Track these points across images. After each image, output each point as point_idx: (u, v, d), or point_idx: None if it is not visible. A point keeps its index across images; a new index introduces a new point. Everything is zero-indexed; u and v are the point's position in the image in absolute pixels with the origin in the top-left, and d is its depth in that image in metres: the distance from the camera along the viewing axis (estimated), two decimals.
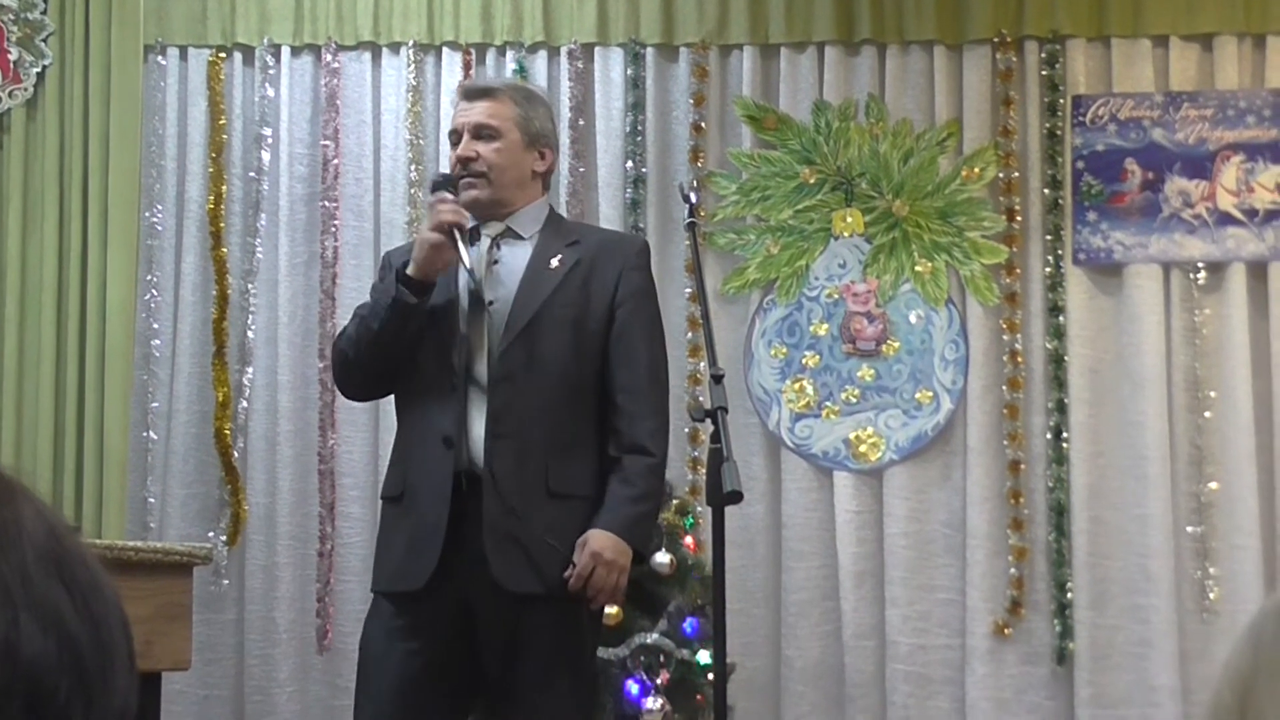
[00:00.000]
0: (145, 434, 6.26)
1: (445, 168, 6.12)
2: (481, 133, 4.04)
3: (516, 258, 4.05)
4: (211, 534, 6.21)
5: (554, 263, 4.03)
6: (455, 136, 4.09)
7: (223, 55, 6.39)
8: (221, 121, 6.36)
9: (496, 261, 4.04)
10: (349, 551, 6.21)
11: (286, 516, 6.23)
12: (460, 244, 3.85)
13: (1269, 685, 1.55)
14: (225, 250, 6.31)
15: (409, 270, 3.89)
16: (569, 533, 3.93)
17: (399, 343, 3.94)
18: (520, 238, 4.07)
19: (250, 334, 6.31)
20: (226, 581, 6.24)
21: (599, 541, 3.89)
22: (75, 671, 1.22)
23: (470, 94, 4.13)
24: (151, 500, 6.25)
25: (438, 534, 3.88)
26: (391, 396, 4.21)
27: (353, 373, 4.09)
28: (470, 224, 4.01)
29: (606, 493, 3.97)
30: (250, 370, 6.29)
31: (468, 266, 3.86)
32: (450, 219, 3.88)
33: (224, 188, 6.33)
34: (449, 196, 3.95)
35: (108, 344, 6.10)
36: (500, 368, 3.93)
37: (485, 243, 4.06)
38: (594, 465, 4.01)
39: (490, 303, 3.98)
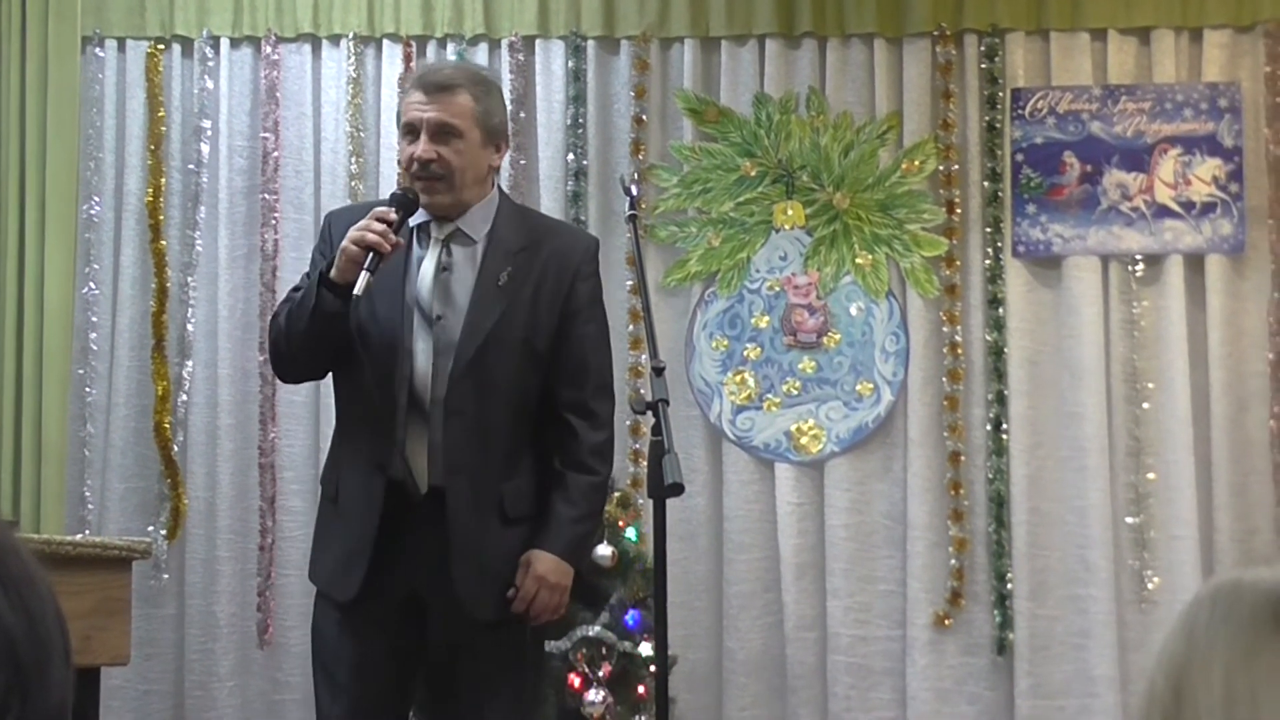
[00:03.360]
0: (84, 428, 6.23)
1: (393, 146, 6.14)
2: (441, 132, 3.89)
3: (465, 267, 3.96)
4: (151, 528, 6.18)
5: (503, 278, 3.94)
6: (410, 130, 3.93)
7: (161, 47, 6.35)
8: (160, 114, 6.32)
9: (446, 269, 3.94)
10: (290, 545, 6.17)
11: (227, 510, 6.21)
12: (365, 268, 3.73)
13: (1201, 672, 1.57)
14: (164, 243, 6.27)
15: (331, 274, 3.79)
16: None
17: (329, 338, 3.87)
18: (471, 240, 3.98)
19: (190, 327, 6.27)
20: (166, 576, 6.21)
21: (544, 564, 3.89)
22: (11, 667, 1.21)
23: (429, 88, 3.92)
24: (89, 494, 6.21)
25: (364, 554, 3.86)
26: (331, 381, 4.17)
27: (286, 363, 4.05)
28: (399, 213, 3.87)
29: (550, 510, 3.95)
30: (190, 364, 6.26)
31: (356, 292, 3.73)
32: (373, 240, 3.74)
33: (163, 180, 6.29)
34: (391, 217, 3.80)
35: (45, 337, 6.06)
36: (450, 400, 3.86)
37: (435, 247, 3.96)
38: (536, 482, 3.99)
39: (438, 318, 3.91)
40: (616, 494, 5.63)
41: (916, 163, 6.31)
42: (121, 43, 6.38)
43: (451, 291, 3.93)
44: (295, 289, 4.01)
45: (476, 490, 3.87)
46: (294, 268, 6.16)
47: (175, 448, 6.23)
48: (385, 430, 3.87)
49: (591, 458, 3.97)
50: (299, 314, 3.87)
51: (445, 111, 3.91)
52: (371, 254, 3.74)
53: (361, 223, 3.79)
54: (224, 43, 6.36)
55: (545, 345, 3.97)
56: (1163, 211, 6.24)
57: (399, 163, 4.03)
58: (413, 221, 3.95)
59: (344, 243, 3.79)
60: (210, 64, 6.35)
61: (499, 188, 4.12)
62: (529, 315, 3.94)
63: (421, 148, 3.89)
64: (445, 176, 3.90)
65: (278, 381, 6.16)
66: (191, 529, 6.22)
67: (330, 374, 4.09)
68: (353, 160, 6.27)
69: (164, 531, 6.19)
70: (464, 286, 3.93)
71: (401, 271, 3.92)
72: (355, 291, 3.73)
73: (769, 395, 6.29)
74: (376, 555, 3.85)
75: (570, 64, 6.34)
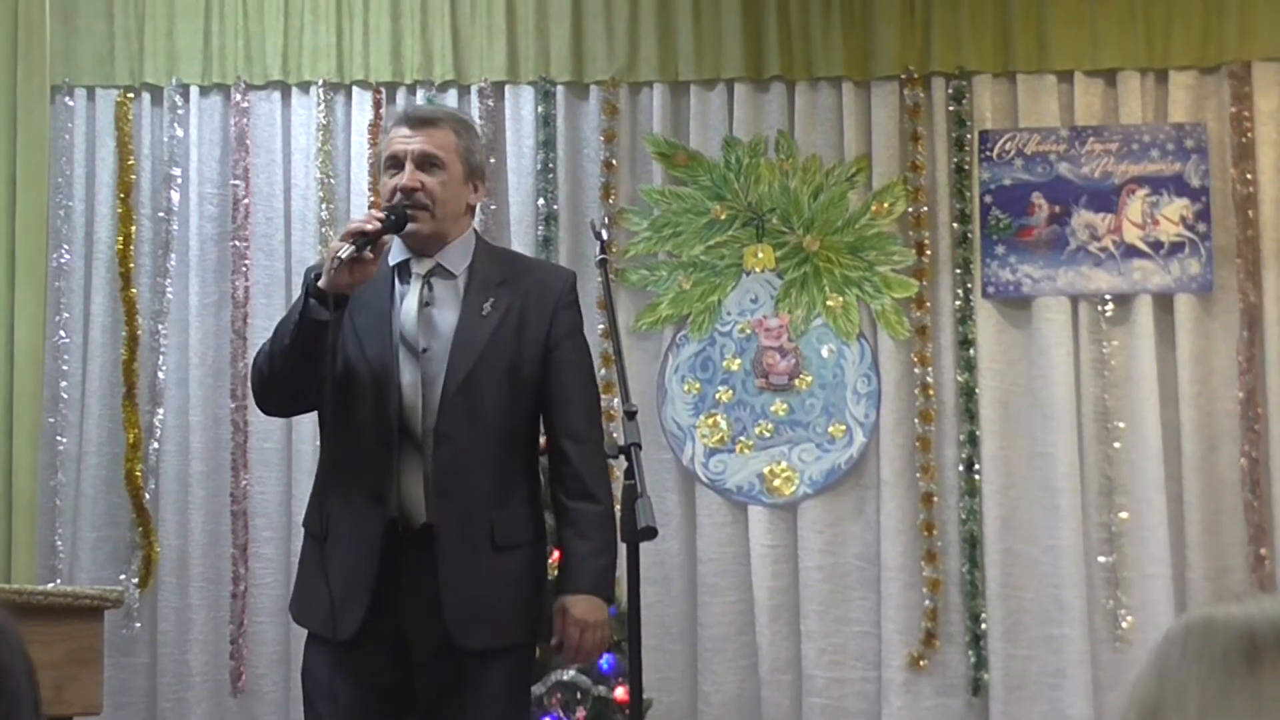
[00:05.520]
0: (54, 476, 6.20)
1: (363, 193, 6.16)
2: (426, 163, 3.95)
3: (448, 300, 3.98)
4: (123, 577, 6.16)
5: (486, 308, 3.96)
6: (394, 163, 3.97)
7: (131, 95, 6.36)
8: (130, 162, 6.32)
9: (428, 304, 3.97)
10: (263, 593, 6.15)
11: (199, 558, 6.19)
12: (351, 244, 3.74)
13: (1175, 710, 1.56)
14: (135, 291, 6.27)
15: (320, 283, 3.79)
16: (515, 583, 3.93)
17: (312, 357, 3.83)
18: (451, 275, 4.00)
19: (161, 375, 6.27)
20: (138, 624, 6.18)
21: (580, 608, 3.90)
22: None
23: (414, 122, 4.01)
24: (60, 543, 6.18)
25: (364, 590, 3.83)
26: (303, 427, 4.16)
27: (270, 389, 3.98)
28: (390, 217, 3.87)
29: (566, 549, 3.96)
30: (161, 411, 6.25)
31: (342, 256, 3.72)
32: (354, 228, 3.78)
33: (133, 228, 6.29)
34: (375, 215, 3.86)
35: (15, 386, 6.01)
36: (440, 425, 3.86)
37: (417, 282, 3.98)
38: (531, 511, 4.01)
39: (424, 350, 3.92)
40: None
41: (886, 205, 6.33)
42: (91, 91, 6.38)
43: (436, 324, 3.95)
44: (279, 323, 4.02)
45: (466, 517, 3.87)
46: (265, 314, 6.15)
47: (147, 496, 6.21)
48: (380, 465, 3.87)
49: (593, 485, 3.98)
50: (283, 330, 3.87)
51: (430, 143, 3.97)
52: (358, 235, 3.77)
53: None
54: (193, 90, 6.37)
55: (530, 374, 3.98)
56: (1131, 251, 6.28)
57: (372, 203, 3.97)
58: (393, 260, 3.97)
59: (331, 243, 3.81)
60: (180, 112, 6.35)
61: (474, 228, 4.14)
62: (514, 343, 3.96)
63: (406, 177, 3.93)
64: (428, 206, 3.93)
65: (250, 428, 6.18)
66: (163, 577, 6.19)
67: (315, 411, 4.05)
68: (323, 207, 6.27)
69: (136, 580, 6.17)
70: (448, 318, 3.96)
71: (386, 308, 3.95)
72: (340, 256, 3.72)
73: (741, 438, 6.29)
74: (374, 595, 3.83)
75: (540, 109, 6.36)
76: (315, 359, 3.83)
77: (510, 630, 3.93)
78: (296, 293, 4.38)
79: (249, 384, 4.33)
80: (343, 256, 3.72)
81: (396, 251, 3.99)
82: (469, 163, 4.03)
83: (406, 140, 3.98)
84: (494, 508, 3.91)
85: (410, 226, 3.93)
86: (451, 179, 3.98)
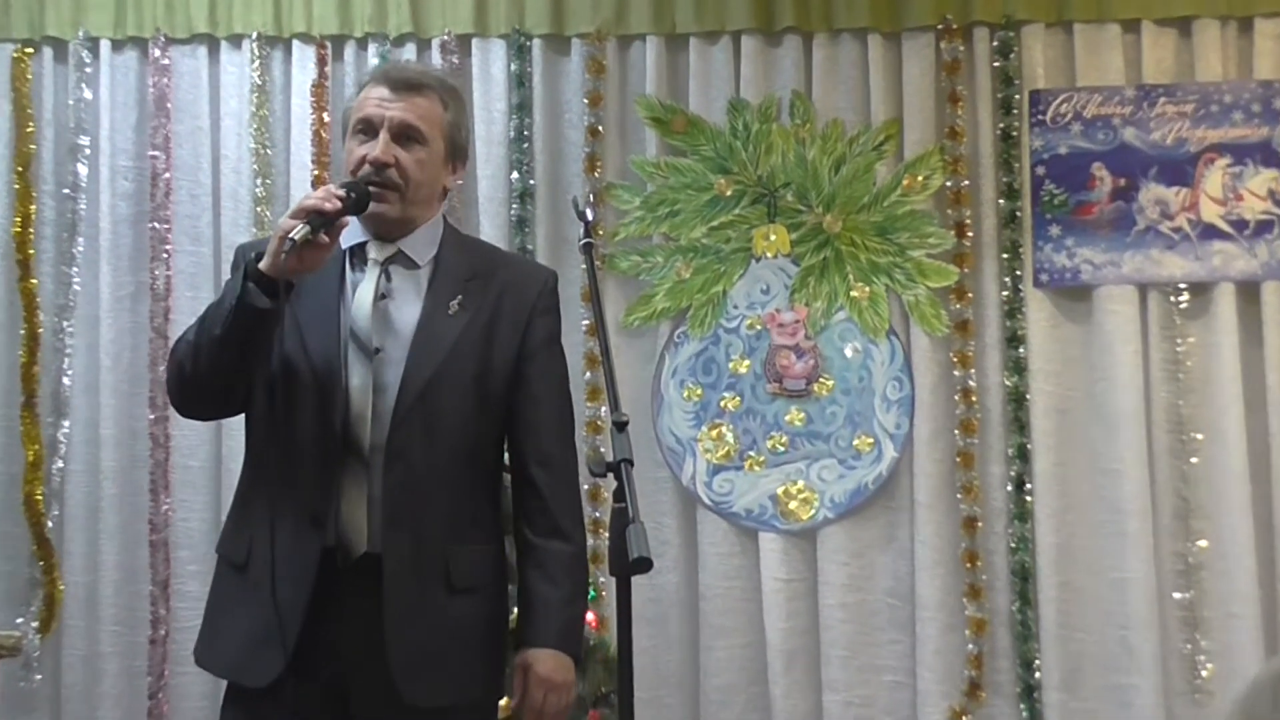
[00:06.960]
0: None
1: (305, 165, 6.05)
2: (404, 135, 3.88)
3: (408, 294, 3.91)
4: (20, 620, 6.22)
5: (453, 307, 3.90)
6: (366, 127, 3.90)
7: (30, 50, 6.49)
8: (29, 129, 6.41)
9: (385, 296, 3.89)
10: (187, 637, 6.01)
11: (111, 597, 6.27)
12: (305, 223, 3.62)
13: None
14: (35, 281, 6.36)
15: (261, 264, 3.67)
16: (472, 632, 3.88)
17: (247, 352, 3.73)
18: (414, 265, 3.93)
19: (66, 380, 6.31)
20: (39, 676, 6.27)
21: (544, 664, 3.84)
22: None
23: (396, 84, 3.92)
24: None
25: (290, 627, 3.73)
26: (234, 441, 4.05)
27: (191, 387, 3.84)
28: (351, 196, 3.77)
29: (530, 594, 3.89)
30: (66, 424, 6.31)
31: (294, 237, 3.59)
32: (311, 205, 3.66)
33: (33, 207, 6.37)
34: (335, 192, 3.72)
35: None
36: (393, 440, 3.80)
37: (374, 270, 3.90)
38: (493, 547, 3.96)
39: (378, 350, 3.84)
40: None
41: (920, 178, 6.34)
42: None
43: (393, 320, 3.88)
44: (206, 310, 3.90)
45: (418, 551, 3.80)
46: (189, 309, 6.20)
47: (49, 523, 6.26)
48: (317, 483, 3.78)
49: (564, 521, 3.94)
50: (214, 318, 3.73)
51: (412, 112, 3.91)
52: (313, 214, 3.65)
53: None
54: (104, 45, 6.45)
55: (499, 388, 3.92)
56: (1210, 232, 6.27)
57: (316, 178, 3.80)
58: (346, 241, 3.86)
59: (280, 221, 3.69)
60: (88, 70, 6.43)
61: (443, 213, 4.07)
62: (482, 351, 3.91)
63: (380, 149, 3.86)
64: (399, 187, 3.86)
65: (171, 444, 6.34)
66: (69, 620, 6.27)
67: (243, 415, 3.93)
68: (258, 182, 6.30)
69: (36, 624, 6.25)
70: (408, 315, 3.89)
71: (334, 298, 3.86)
72: (293, 237, 3.59)
73: (751, 453, 6.30)
74: (302, 635, 3.73)
75: (513, 67, 6.42)
76: (250, 354, 3.73)
77: (467, 686, 3.87)
78: (238, 246, 4.24)
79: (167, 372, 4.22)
80: (295, 238, 3.59)
81: (352, 232, 3.89)
82: (453, 140, 3.99)
83: (385, 105, 3.89)
84: (450, 541, 3.84)
85: (375, 207, 3.84)
86: (431, 158, 3.93)
